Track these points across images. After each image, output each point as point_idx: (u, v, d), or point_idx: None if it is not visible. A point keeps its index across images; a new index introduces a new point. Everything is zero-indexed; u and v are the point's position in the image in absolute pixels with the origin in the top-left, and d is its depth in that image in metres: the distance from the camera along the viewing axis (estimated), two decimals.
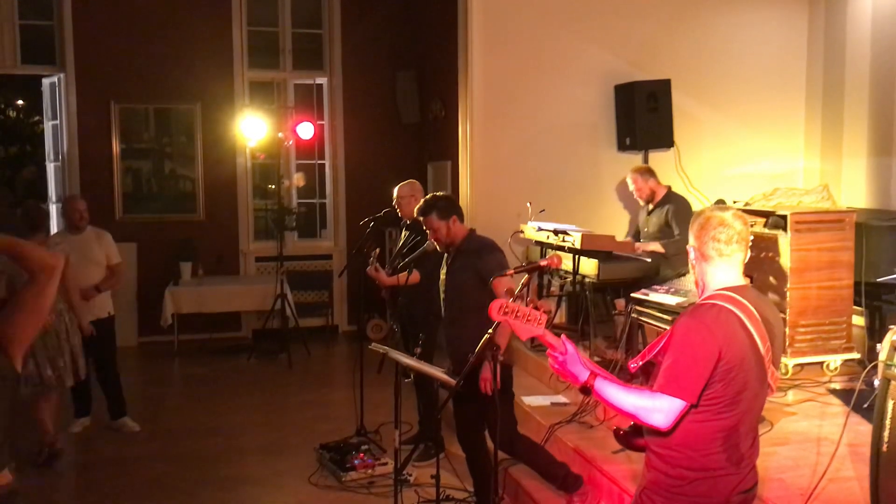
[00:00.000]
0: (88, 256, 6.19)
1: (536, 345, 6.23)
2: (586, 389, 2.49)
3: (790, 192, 6.24)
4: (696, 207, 6.51)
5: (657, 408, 2.43)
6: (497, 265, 4.28)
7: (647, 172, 6.59)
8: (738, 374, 2.44)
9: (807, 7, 8.07)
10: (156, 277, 8.96)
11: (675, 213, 6.31)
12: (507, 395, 4.59)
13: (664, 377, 2.45)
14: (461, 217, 4.56)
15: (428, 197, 4.65)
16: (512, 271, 3.70)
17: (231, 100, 9.31)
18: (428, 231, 4.60)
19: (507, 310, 2.63)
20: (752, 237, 2.65)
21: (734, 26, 8.01)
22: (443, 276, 4.65)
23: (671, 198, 6.51)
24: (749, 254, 2.64)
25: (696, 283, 2.70)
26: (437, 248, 4.66)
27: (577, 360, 2.52)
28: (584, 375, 2.49)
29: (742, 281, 2.60)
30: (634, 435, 2.73)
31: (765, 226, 5.74)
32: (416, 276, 5.39)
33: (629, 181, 6.67)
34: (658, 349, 2.58)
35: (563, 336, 2.56)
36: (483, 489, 4.41)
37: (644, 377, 2.72)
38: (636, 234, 6.81)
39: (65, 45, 8.90)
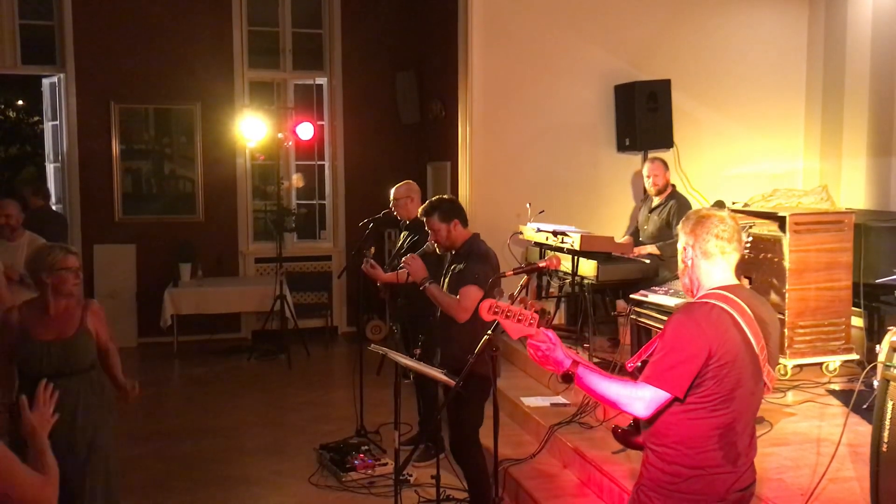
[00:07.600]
0: (15, 268, 5.58)
1: None
2: (568, 377, 2.51)
3: (789, 192, 6.25)
4: (695, 208, 6.50)
5: (639, 396, 2.45)
6: (472, 275, 4.29)
7: (666, 164, 6.61)
8: (731, 372, 2.46)
9: (807, 7, 8.08)
10: (155, 278, 8.96)
11: (677, 211, 6.30)
12: (479, 397, 4.37)
13: (650, 368, 2.48)
14: (464, 221, 4.57)
15: (433, 199, 4.67)
16: (510, 272, 3.70)
17: (231, 100, 9.30)
18: (429, 232, 4.62)
19: (496, 309, 2.64)
20: (749, 238, 2.66)
21: (734, 26, 8.01)
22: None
23: (676, 196, 6.52)
24: (739, 256, 2.65)
25: (683, 284, 2.71)
26: (437, 249, 4.68)
27: (560, 348, 2.54)
28: (567, 362, 2.52)
29: (735, 281, 2.62)
30: (633, 433, 2.74)
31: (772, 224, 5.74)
32: None
33: (646, 168, 6.65)
34: (653, 348, 2.59)
35: (541, 327, 2.57)
36: (479, 490, 4.39)
37: None
38: (635, 232, 6.82)
39: (65, 45, 8.90)
